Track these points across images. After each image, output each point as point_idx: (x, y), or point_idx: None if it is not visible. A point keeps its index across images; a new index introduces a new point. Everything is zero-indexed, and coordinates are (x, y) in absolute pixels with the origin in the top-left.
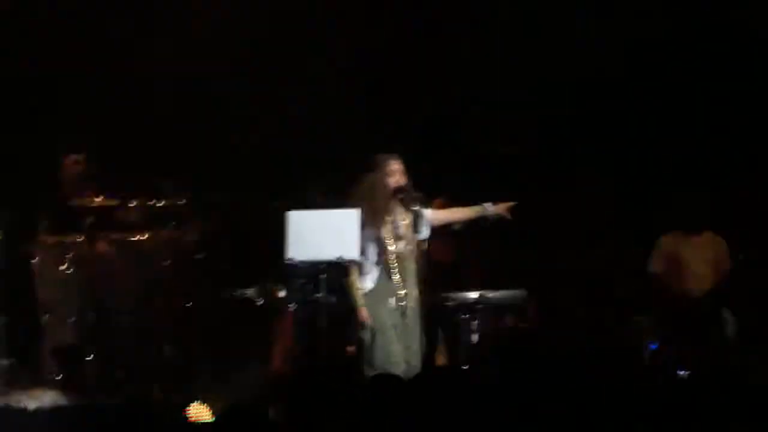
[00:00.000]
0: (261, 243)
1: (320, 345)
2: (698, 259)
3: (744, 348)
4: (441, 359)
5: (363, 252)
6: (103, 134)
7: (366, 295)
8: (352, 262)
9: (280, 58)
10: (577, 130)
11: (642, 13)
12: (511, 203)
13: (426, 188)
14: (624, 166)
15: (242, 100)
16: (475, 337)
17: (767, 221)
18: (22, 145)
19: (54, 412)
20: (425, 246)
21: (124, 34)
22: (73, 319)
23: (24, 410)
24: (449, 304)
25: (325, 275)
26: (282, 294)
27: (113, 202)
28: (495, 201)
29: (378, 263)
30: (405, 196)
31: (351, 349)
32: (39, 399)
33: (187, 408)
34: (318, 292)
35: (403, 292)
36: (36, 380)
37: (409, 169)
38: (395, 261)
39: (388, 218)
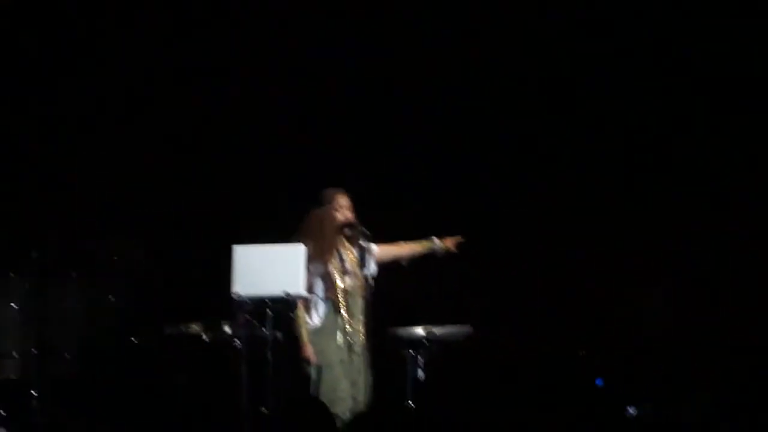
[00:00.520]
0: (206, 278)
1: (267, 381)
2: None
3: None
4: None
5: (310, 287)
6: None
7: (313, 331)
8: (298, 297)
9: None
10: (520, 162)
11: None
12: (458, 238)
13: (372, 224)
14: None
15: (190, 131)
16: (421, 373)
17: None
18: None
19: None
20: (372, 281)
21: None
22: (16, 354)
23: None
24: (395, 339)
25: (270, 311)
26: (228, 330)
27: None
28: (441, 236)
29: (325, 299)
30: (352, 231)
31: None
32: None
33: None
34: (264, 328)
35: (350, 327)
36: None
37: (357, 205)
38: (343, 296)
39: (336, 253)
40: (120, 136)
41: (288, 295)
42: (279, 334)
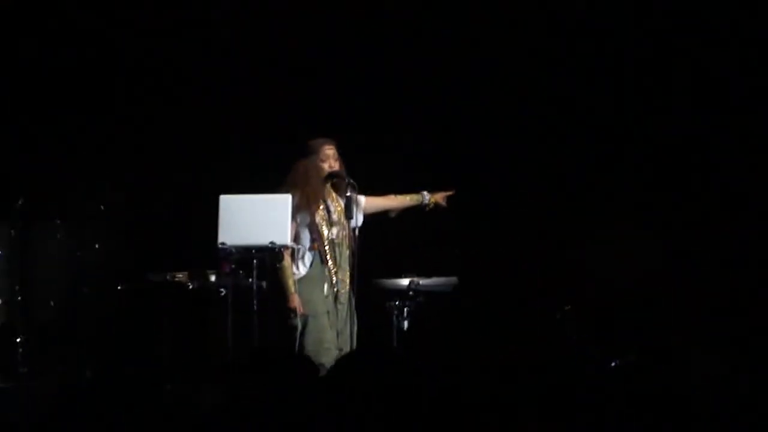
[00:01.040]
0: (192, 227)
1: (253, 330)
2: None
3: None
4: None
5: (296, 238)
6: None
7: (299, 280)
8: (284, 247)
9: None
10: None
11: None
12: (448, 192)
13: (359, 174)
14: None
15: (178, 79)
16: (405, 324)
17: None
18: None
19: None
20: (358, 232)
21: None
22: (2, 300)
23: None
24: (380, 290)
25: (256, 261)
26: (213, 279)
27: None
28: (432, 189)
29: (311, 249)
30: (338, 182)
31: None
32: None
33: None
34: (250, 278)
35: (336, 278)
36: None
37: (343, 155)
38: (329, 247)
39: (322, 203)
40: (106, 85)
41: (274, 245)
42: (264, 284)
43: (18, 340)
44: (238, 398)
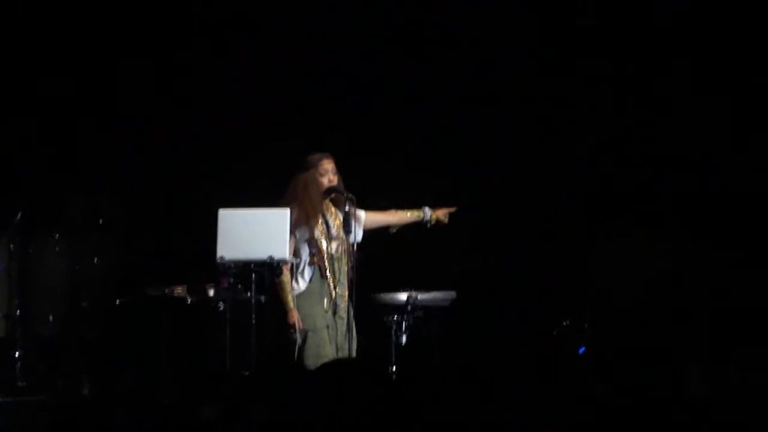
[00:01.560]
0: (191, 241)
1: (250, 344)
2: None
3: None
4: None
5: (295, 252)
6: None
7: (299, 295)
8: (283, 261)
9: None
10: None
11: None
12: (450, 208)
13: (362, 190)
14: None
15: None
16: (404, 338)
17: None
18: None
19: None
20: (357, 248)
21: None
22: (0, 315)
23: None
24: (379, 304)
25: (255, 275)
26: (212, 293)
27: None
28: (432, 203)
29: (310, 264)
30: (337, 196)
31: None
32: None
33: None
34: (248, 291)
35: (335, 293)
36: None
37: (341, 169)
38: (329, 262)
39: (321, 218)
40: (106, 99)
41: (272, 259)
42: (262, 298)
43: (16, 353)
44: (236, 413)
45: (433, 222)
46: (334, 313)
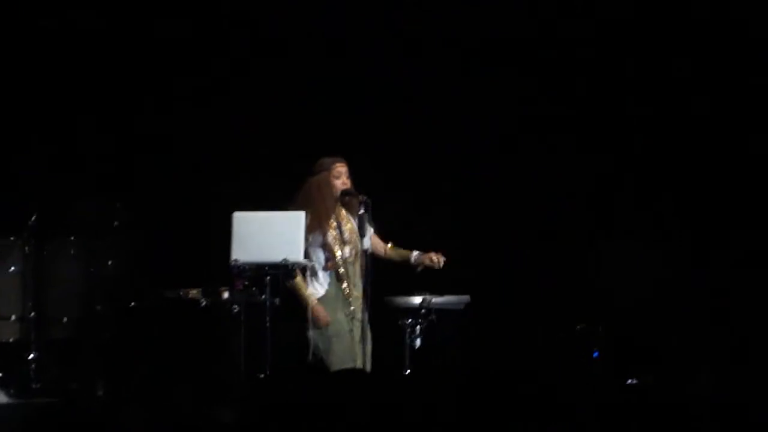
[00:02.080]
0: (206, 244)
1: (266, 347)
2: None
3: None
4: None
5: (308, 256)
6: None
7: (319, 301)
8: (297, 264)
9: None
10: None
11: None
12: (439, 255)
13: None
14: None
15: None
16: (418, 342)
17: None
18: None
19: None
20: (367, 252)
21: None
22: (15, 317)
23: None
24: (393, 308)
25: (269, 278)
26: (226, 296)
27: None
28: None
29: (325, 269)
30: (351, 200)
31: None
32: None
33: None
34: (263, 294)
35: (351, 297)
36: None
37: (354, 172)
38: (343, 266)
39: (334, 222)
40: (119, 102)
41: (287, 261)
42: (277, 301)
43: (31, 356)
44: (252, 416)
45: (421, 267)
46: (352, 318)
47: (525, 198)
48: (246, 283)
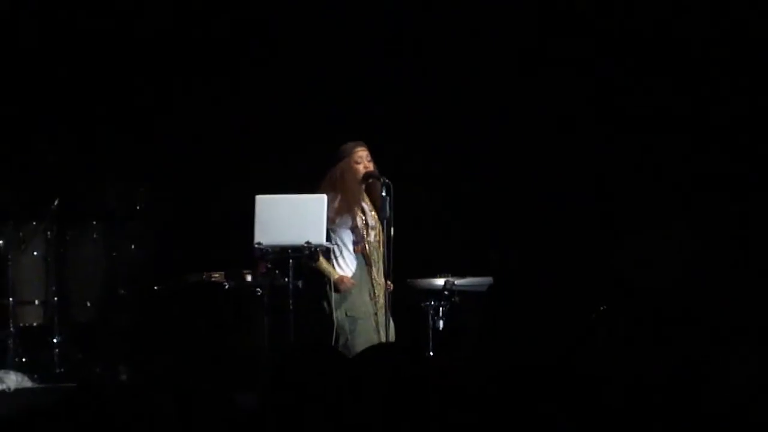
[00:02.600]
0: (229, 227)
1: (289, 329)
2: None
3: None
4: None
5: (330, 239)
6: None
7: None
8: (320, 246)
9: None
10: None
11: None
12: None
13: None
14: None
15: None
16: (441, 324)
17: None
18: None
19: (18, 394)
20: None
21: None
22: (39, 301)
23: None
24: (416, 290)
25: (292, 260)
26: (249, 278)
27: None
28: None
29: (354, 252)
30: (374, 182)
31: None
32: (3, 381)
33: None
34: (286, 277)
35: (376, 280)
36: (1, 362)
37: (375, 157)
38: (369, 249)
39: (360, 207)
40: (142, 86)
41: (310, 244)
42: (300, 284)
43: (54, 340)
44: (274, 399)
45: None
46: (376, 302)
47: (548, 180)
48: (269, 266)
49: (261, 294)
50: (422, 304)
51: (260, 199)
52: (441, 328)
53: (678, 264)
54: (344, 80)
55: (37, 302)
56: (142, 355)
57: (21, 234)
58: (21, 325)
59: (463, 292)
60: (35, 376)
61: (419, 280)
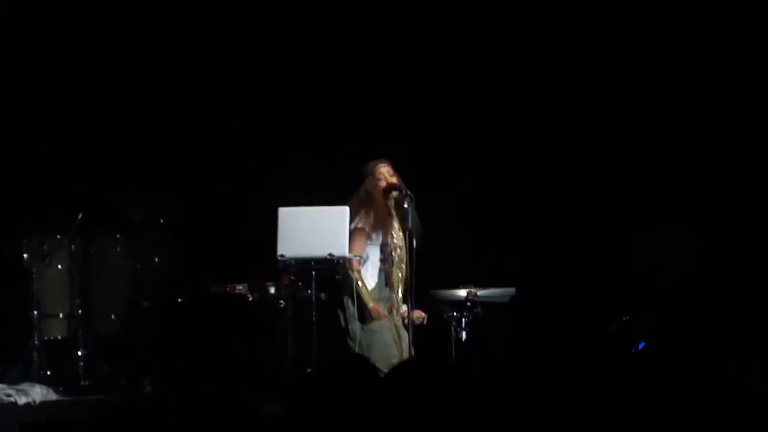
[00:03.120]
0: (252, 239)
1: (312, 341)
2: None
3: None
4: None
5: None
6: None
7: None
8: (342, 258)
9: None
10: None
11: None
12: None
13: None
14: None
15: (237, 92)
16: (464, 334)
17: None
18: (12, 144)
19: (43, 406)
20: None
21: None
22: (63, 314)
23: (14, 405)
24: (438, 301)
25: (315, 272)
26: (273, 290)
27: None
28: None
29: (380, 269)
30: (398, 196)
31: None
32: (29, 394)
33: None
34: (309, 289)
35: (395, 297)
36: (26, 375)
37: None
38: (394, 268)
39: (392, 225)
40: (164, 96)
41: (332, 256)
42: (323, 296)
43: (79, 353)
44: (299, 409)
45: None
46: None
47: (569, 188)
48: (292, 277)
49: (284, 306)
50: (445, 315)
51: (283, 211)
52: (464, 339)
53: (700, 271)
54: (369, 93)
55: (61, 315)
56: (167, 367)
57: (45, 247)
58: (45, 338)
59: (485, 303)
60: (60, 388)
61: (442, 291)
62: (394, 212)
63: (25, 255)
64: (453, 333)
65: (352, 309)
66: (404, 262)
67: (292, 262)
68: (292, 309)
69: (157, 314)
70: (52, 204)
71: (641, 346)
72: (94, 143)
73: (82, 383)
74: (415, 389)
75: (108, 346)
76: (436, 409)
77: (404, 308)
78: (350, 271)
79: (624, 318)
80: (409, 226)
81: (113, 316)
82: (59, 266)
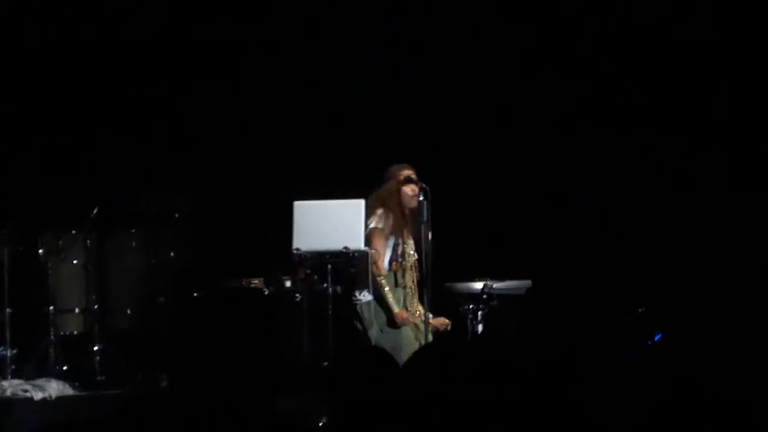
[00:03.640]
0: (267, 233)
1: (329, 334)
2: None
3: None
4: None
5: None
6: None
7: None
8: (358, 252)
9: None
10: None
11: None
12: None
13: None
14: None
15: (254, 86)
16: (480, 327)
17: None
18: (26, 141)
19: (60, 402)
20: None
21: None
22: (79, 310)
23: (30, 400)
24: (454, 294)
25: (330, 266)
26: (288, 284)
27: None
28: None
29: (390, 270)
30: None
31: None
32: (45, 389)
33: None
34: (325, 282)
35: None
36: (42, 371)
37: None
38: (406, 269)
39: (407, 230)
40: (179, 92)
41: (348, 249)
42: (339, 289)
43: (95, 348)
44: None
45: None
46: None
47: (586, 182)
48: (308, 271)
49: (300, 299)
50: (461, 308)
51: (298, 205)
52: (480, 332)
53: (717, 265)
54: (383, 88)
55: (77, 310)
56: (182, 362)
57: (61, 243)
58: (61, 333)
59: (501, 296)
60: (76, 384)
61: (458, 284)
62: (410, 225)
63: (40, 250)
64: (469, 325)
65: (367, 315)
66: (414, 268)
67: (308, 255)
68: (307, 302)
69: (172, 309)
70: (68, 199)
71: (657, 338)
72: (109, 140)
73: (98, 378)
74: (431, 380)
75: (124, 341)
76: (451, 400)
77: (420, 309)
78: (378, 278)
79: (640, 310)
80: (425, 219)
81: (129, 311)
82: (75, 261)
